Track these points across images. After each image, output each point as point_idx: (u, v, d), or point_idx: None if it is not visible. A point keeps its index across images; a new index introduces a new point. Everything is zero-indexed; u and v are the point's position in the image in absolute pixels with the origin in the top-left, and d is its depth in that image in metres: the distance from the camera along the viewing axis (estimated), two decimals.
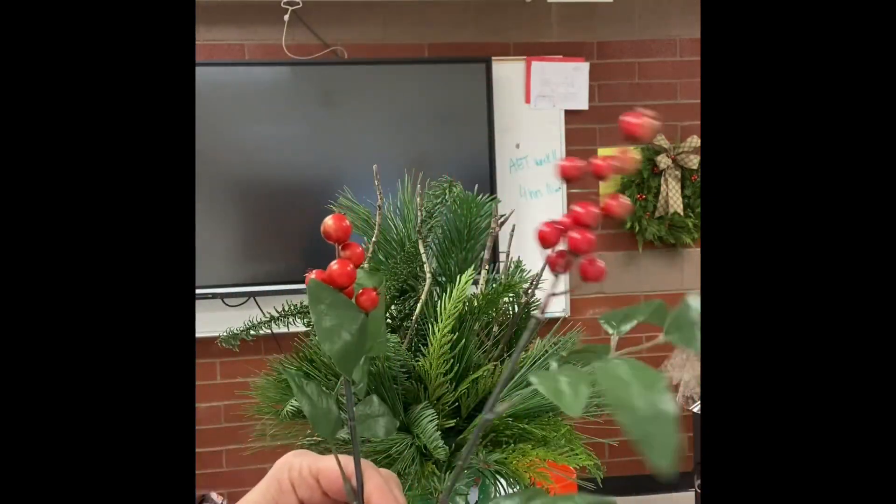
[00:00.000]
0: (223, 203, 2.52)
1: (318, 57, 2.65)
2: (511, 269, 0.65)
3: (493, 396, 0.34)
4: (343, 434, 0.39)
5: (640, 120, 0.37)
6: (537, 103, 2.75)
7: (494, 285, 0.65)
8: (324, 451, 0.54)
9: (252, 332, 0.62)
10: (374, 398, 0.40)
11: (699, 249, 2.81)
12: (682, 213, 2.78)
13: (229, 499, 2.79)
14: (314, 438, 0.54)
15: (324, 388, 0.48)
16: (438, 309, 0.55)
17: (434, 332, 0.55)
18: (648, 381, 0.26)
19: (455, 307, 0.54)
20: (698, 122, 2.87)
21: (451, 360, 0.56)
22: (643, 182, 2.78)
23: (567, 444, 0.55)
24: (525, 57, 2.73)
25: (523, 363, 0.60)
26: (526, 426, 0.55)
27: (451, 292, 0.55)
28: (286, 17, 2.60)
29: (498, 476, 0.58)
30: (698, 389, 2.40)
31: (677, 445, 0.25)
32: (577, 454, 0.56)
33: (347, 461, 0.37)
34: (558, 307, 2.76)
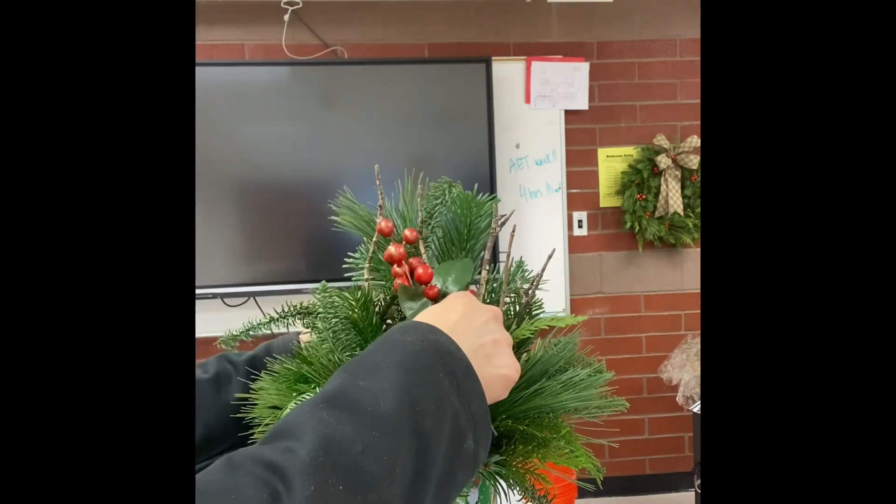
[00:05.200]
0: (223, 203, 2.52)
1: (318, 57, 2.65)
2: (512, 269, 0.65)
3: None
4: None
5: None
6: (537, 103, 2.75)
7: (495, 285, 0.64)
8: None
9: (251, 332, 0.62)
10: None
11: (699, 249, 2.81)
12: (682, 213, 2.78)
13: None
14: None
15: None
16: None
17: None
18: None
19: None
20: (698, 122, 2.88)
21: None
22: (643, 182, 2.78)
23: (567, 445, 0.55)
24: (525, 57, 2.73)
25: (525, 365, 0.59)
26: (526, 428, 0.55)
27: None
28: (286, 17, 2.60)
29: (498, 477, 0.58)
30: (698, 389, 2.40)
31: None
32: (577, 456, 0.56)
33: None
34: (558, 306, 2.76)
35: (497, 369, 0.49)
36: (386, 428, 0.38)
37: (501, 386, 0.50)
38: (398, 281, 0.56)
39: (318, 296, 0.55)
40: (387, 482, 0.36)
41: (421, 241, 0.62)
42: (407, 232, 0.60)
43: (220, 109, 2.48)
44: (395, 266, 0.57)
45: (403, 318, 0.54)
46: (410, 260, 0.58)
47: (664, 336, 2.87)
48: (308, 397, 0.52)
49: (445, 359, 0.44)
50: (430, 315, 0.50)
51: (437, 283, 0.57)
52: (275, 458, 0.35)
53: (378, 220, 0.59)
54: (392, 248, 0.58)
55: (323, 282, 0.56)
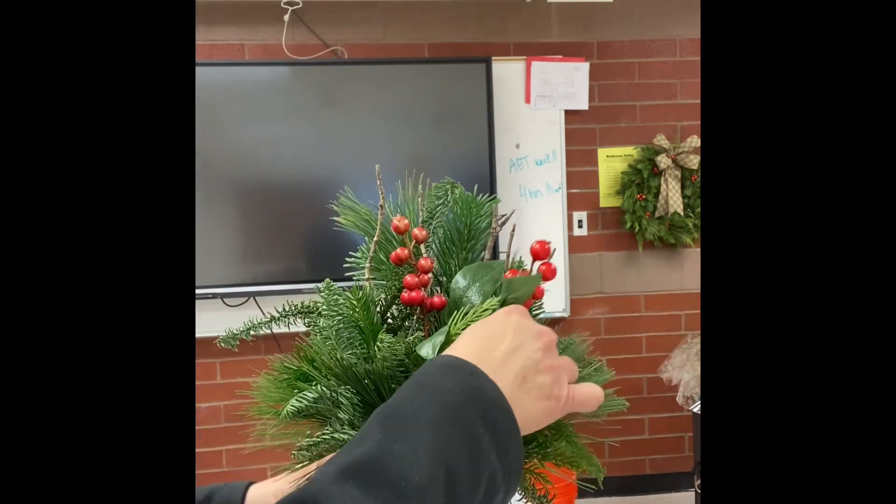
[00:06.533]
0: (223, 203, 2.52)
1: (318, 57, 2.65)
2: None
3: None
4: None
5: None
6: (537, 103, 2.75)
7: None
8: (323, 452, 0.54)
9: (252, 332, 0.62)
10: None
11: (699, 249, 2.81)
12: (682, 213, 2.78)
13: None
14: (314, 439, 0.54)
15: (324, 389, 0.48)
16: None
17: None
18: None
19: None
20: (698, 122, 2.88)
21: None
22: (643, 182, 2.78)
23: (568, 447, 0.55)
24: (525, 57, 2.74)
25: None
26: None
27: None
28: (286, 17, 2.60)
29: None
30: (698, 389, 2.40)
31: None
32: (576, 459, 0.56)
33: None
34: (558, 307, 2.76)
35: (541, 402, 0.46)
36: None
37: (543, 417, 0.46)
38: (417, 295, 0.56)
39: (322, 294, 0.55)
40: None
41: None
42: (416, 231, 0.59)
43: (220, 109, 2.48)
44: (411, 291, 0.57)
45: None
46: (420, 261, 0.58)
47: (664, 336, 2.87)
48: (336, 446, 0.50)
49: (487, 409, 0.41)
50: (473, 344, 0.46)
51: (461, 281, 0.57)
52: None
53: (393, 219, 0.58)
54: (400, 251, 0.58)
55: (327, 279, 0.56)
